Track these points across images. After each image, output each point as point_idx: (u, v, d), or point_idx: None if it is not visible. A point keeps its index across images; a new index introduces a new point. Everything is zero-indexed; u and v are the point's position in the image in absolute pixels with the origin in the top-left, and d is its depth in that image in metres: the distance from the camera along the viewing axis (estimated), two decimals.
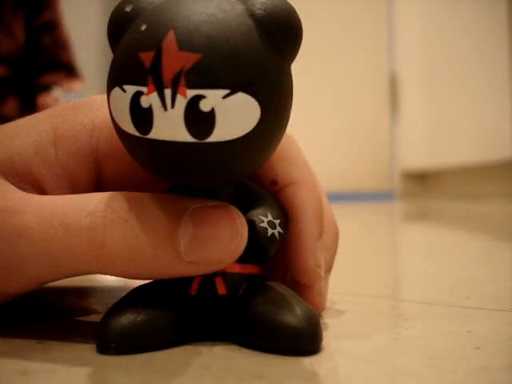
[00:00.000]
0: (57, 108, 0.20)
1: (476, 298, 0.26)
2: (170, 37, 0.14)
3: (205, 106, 0.14)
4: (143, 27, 0.15)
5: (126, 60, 0.15)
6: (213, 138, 0.14)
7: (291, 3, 0.16)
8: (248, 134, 0.15)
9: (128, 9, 0.16)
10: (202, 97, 0.14)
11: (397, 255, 0.51)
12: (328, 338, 0.18)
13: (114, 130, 0.16)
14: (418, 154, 2.09)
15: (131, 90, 0.15)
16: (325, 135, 2.12)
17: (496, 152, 1.59)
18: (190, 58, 0.14)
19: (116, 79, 0.15)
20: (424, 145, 2.06)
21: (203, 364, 0.16)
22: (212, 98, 0.14)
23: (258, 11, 0.15)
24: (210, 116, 0.14)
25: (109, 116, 0.16)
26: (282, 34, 0.15)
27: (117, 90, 0.15)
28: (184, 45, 0.14)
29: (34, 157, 0.18)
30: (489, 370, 0.15)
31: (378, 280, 0.34)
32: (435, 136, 2.01)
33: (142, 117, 0.15)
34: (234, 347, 0.17)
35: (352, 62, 2.16)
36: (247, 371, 0.15)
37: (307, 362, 0.16)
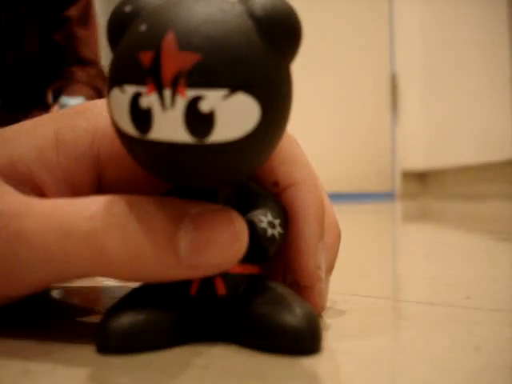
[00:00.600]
0: (58, 113, 0.20)
1: (476, 298, 0.26)
2: (170, 37, 0.14)
3: (204, 106, 0.14)
4: (143, 27, 0.15)
5: (125, 60, 0.15)
6: (212, 139, 0.14)
7: (291, 3, 0.16)
8: (248, 134, 0.15)
9: (128, 9, 0.16)
10: (201, 97, 0.14)
11: (397, 255, 0.51)
12: (328, 338, 0.18)
13: (115, 135, 0.16)
14: (419, 154, 2.09)
15: (131, 90, 0.15)
16: (325, 135, 2.12)
17: (496, 152, 1.59)
18: (189, 58, 0.14)
19: (115, 79, 0.15)
20: (424, 145, 2.06)
21: (203, 364, 0.16)
22: (212, 99, 0.14)
23: (257, 11, 0.15)
24: (210, 116, 0.14)
25: (110, 121, 0.16)
26: (281, 35, 0.15)
27: (116, 90, 0.15)
28: (184, 45, 0.14)
29: (35, 161, 0.18)
30: (489, 369, 0.15)
31: (378, 280, 0.34)
32: (435, 136, 2.01)
33: (142, 117, 0.15)
34: (234, 347, 0.17)
35: (353, 63, 2.16)
36: (247, 371, 0.15)
37: (307, 362, 0.16)
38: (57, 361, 0.16)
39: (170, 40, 0.14)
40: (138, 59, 0.15)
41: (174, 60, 0.14)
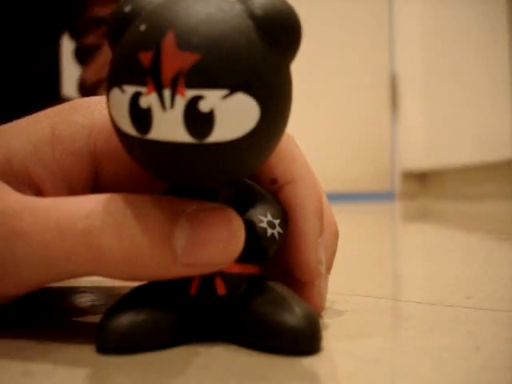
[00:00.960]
0: (55, 108, 0.20)
1: (476, 298, 0.26)
2: (170, 36, 0.14)
3: (204, 106, 0.14)
4: (142, 27, 0.15)
5: (125, 60, 0.15)
6: (212, 139, 0.14)
7: (291, 3, 0.16)
8: (247, 134, 0.15)
9: (127, 9, 0.16)
10: (201, 97, 0.14)
11: (397, 255, 0.51)
12: (328, 338, 0.18)
13: (112, 131, 0.16)
14: (418, 154, 2.09)
15: (130, 90, 0.15)
16: (325, 135, 2.13)
17: (496, 152, 1.59)
18: (189, 58, 0.14)
19: (115, 79, 0.15)
20: (424, 145, 2.06)
21: (203, 364, 0.16)
22: (211, 99, 0.14)
23: (257, 11, 0.15)
24: (209, 116, 0.14)
25: (107, 116, 0.16)
26: (281, 34, 0.15)
27: (116, 90, 0.15)
28: (183, 45, 0.14)
29: (30, 156, 0.18)
30: (489, 369, 0.15)
31: (378, 280, 0.34)
32: (435, 136, 2.01)
33: (141, 117, 0.15)
34: (234, 347, 0.17)
35: (353, 63, 2.16)
36: (247, 371, 0.15)
37: (307, 362, 0.16)
38: (57, 361, 0.16)
39: (169, 40, 0.14)
40: (138, 59, 0.15)
41: (173, 60, 0.14)
